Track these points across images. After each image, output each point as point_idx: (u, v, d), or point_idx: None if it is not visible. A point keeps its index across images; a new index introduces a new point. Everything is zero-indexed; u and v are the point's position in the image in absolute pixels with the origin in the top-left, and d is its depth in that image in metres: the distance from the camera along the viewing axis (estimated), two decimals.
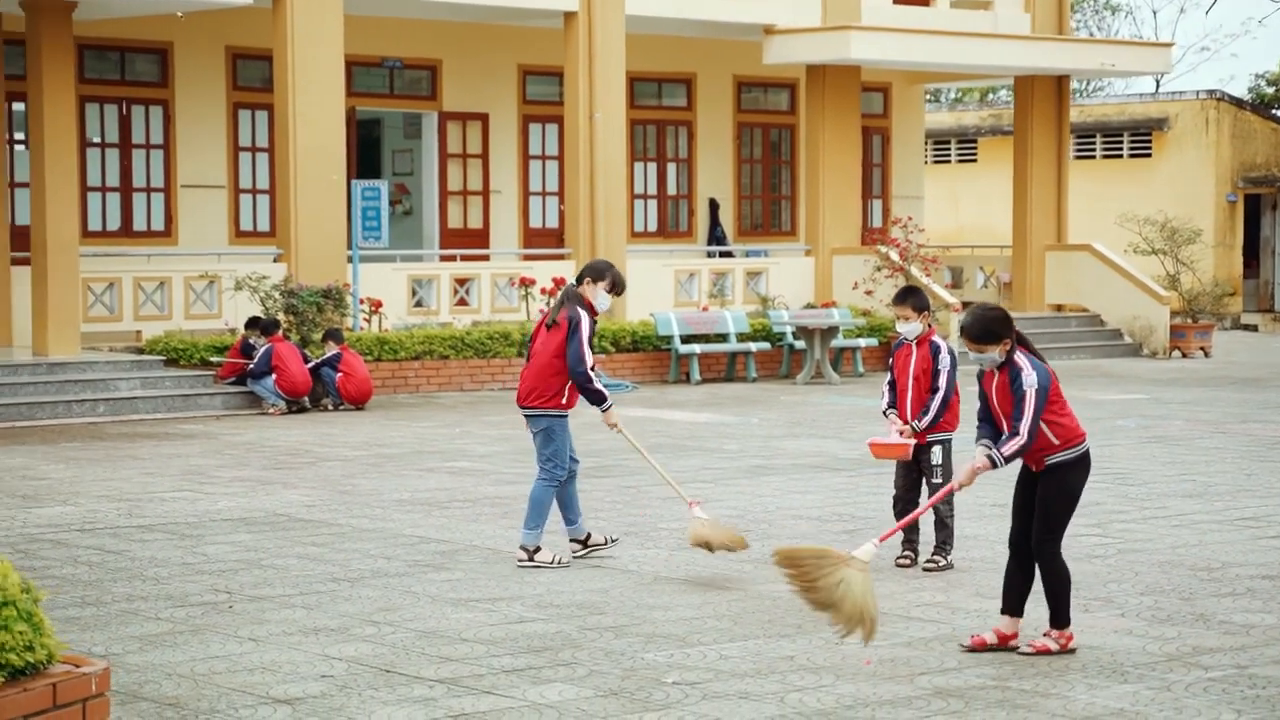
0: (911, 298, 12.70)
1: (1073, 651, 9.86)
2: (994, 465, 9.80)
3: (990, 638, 9.98)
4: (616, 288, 12.87)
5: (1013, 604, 10.04)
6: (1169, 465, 18.01)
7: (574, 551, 12.95)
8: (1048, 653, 9.83)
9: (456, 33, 31.60)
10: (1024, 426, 9.70)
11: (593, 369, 12.61)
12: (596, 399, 12.64)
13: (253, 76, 29.64)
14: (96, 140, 28.70)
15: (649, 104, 34.56)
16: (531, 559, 12.65)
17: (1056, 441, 9.84)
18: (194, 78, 29.38)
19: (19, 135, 26.81)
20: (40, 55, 23.98)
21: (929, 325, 12.73)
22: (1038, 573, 9.99)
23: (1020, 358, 9.83)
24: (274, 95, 26.86)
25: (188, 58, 29.31)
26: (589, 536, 13.01)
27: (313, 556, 13.03)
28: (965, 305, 34.81)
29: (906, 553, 12.65)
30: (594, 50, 29.14)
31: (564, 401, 12.69)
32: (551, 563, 12.63)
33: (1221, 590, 11.65)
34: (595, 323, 12.78)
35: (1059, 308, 34.99)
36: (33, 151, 24.43)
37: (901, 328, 12.74)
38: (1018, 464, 10.02)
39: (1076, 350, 33.20)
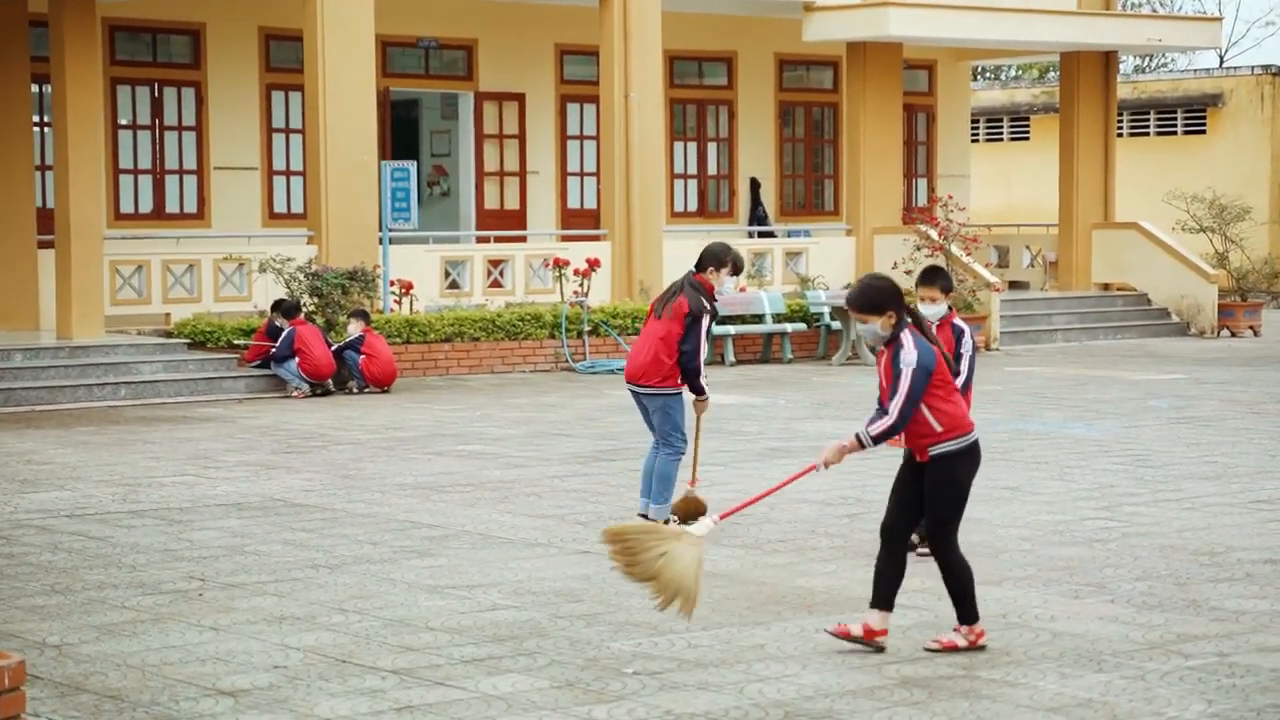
0: (941, 279, 11.97)
1: (982, 648, 9.37)
2: (862, 445, 9.30)
3: (855, 629, 9.42)
4: (738, 269, 13.06)
5: (882, 597, 9.43)
6: (1192, 446, 17.59)
7: None
8: (955, 649, 9.35)
9: (492, 12, 31.35)
10: (895, 406, 9.17)
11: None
12: (697, 390, 13.04)
13: (286, 57, 29.43)
14: (128, 122, 28.59)
15: (690, 83, 34.26)
16: None
17: (939, 429, 9.28)
18: (227, 59, 29.24)
19: (49, 118, 26.69)
20: (63, 36, 23.83)
21: (951, 308, 12.17)
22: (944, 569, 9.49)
23: (905, 335, 9.27)
24: (304, 75, 26.65)
25: (220, 39, 29.18)
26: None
27: (298, 542, 12.80)
28: (1010, 285, 34.51)
29: None
30: (629, 29, 28.82)
31: (678, 381, 12.99)
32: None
33: (1219, 575, 11.29)
34: (716, 312, 13.05)
35: (1106, 287, 34.49)
36: (56, 134, 24.27)
37: (927, 310, 11.72)
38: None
39: (1123, 330, 32.73)
